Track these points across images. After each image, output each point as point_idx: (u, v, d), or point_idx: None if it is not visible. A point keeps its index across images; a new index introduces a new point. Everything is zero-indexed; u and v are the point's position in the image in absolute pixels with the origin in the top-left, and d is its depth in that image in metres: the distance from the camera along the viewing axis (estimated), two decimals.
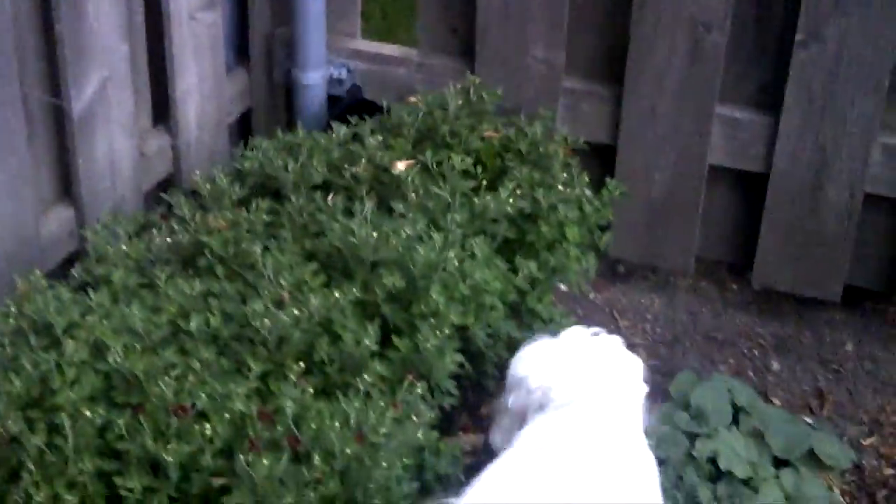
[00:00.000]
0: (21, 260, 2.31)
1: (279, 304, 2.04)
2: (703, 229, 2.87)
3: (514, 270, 2.37)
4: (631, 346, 2.27)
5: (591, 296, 2.90)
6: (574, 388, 1.97)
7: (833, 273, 2.78)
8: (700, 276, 2.93)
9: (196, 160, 2.74)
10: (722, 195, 2.85)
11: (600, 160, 2.84)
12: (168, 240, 2.21)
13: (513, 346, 2.38)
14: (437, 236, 2.19)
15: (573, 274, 2.43)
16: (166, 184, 2.71)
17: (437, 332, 2.10)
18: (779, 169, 2.71)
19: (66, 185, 2.48)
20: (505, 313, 2.35)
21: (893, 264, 2.77)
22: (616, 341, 2.08)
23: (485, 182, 2.46)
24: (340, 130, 2.54)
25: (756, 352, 2.78)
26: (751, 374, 2.73)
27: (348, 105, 2.90)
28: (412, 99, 2.61)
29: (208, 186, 2.34)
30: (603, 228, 2.59)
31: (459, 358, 2.17)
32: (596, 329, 2.10)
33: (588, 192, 2.52)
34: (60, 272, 2.39)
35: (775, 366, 2.74)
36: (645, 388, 2.02)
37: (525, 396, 2.03)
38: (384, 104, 2.69)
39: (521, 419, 2.02)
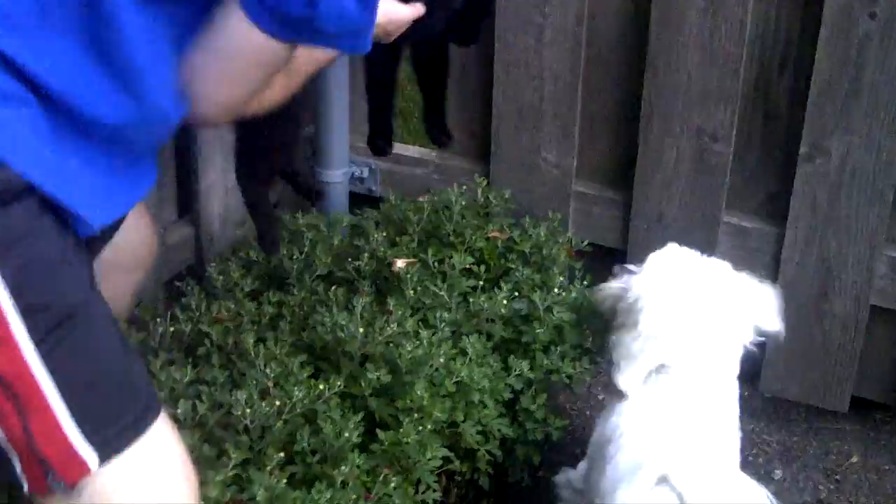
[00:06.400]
0: None
1: (265, 394, 2.11)
2: None
3: (510, 370, 2.42)
4: None
5: (601, 397, 2.92)
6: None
7: (839, 384, 2.78)
8: None
9: (218, 252, 2.85)
10: None
11: (612, 264, 2.88)
12: (171, 328, 2.30)
13: (506, 445, 2.43)
14: (425, 333, 2.25)
15: (567, 376, 2.46)
16: (187, 273, 2.81)
17: (420, 427, 2.15)
18: (785, 279, 2.73)
19: None
20: (498, 412, 2.39)
21: None
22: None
23: (486, 281, 2.52)
24: (344, 219, 2.61)
25: (761, 459, 2.78)
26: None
27: None
28: (421, 198, 2.69)
29: (221, 278, 2.42)
30: (602, 333, 2.61)
31: (445, 453, 2.21)
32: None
33: (588, 296, 2.57)
34: None
35: (778, 474, 2.73)
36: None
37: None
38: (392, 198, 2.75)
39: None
